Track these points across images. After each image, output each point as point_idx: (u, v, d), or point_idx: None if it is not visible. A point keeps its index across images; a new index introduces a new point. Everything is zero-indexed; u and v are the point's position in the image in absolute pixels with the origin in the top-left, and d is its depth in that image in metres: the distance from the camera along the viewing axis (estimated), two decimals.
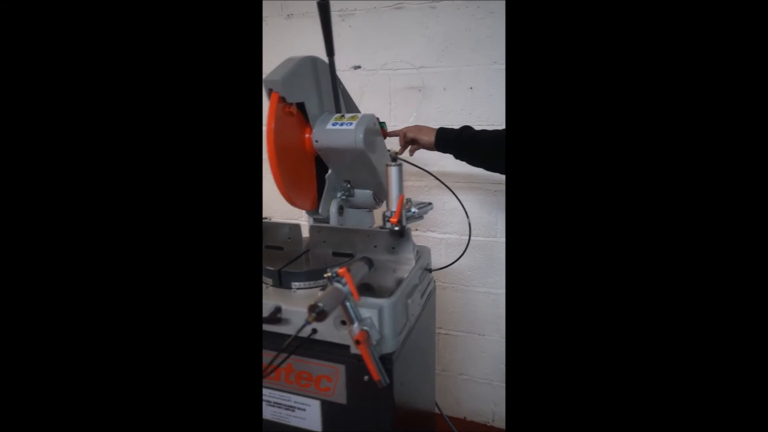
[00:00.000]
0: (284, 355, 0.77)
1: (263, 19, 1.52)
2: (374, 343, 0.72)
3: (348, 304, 0.72)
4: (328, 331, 0.78)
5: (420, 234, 1.52)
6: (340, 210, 1.03)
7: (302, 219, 1.50)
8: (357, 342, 0.69)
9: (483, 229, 1.45)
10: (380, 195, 1.10)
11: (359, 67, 1.45)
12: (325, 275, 0.72)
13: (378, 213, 1.17)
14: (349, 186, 1.06)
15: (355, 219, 1.08)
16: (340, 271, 0.71)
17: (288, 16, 1.49)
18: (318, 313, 0.65)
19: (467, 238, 1.44)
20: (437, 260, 1.51)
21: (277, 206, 1.24)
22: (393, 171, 0.84)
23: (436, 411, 1.27)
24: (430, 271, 1.03)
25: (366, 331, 0.71)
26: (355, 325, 0.71)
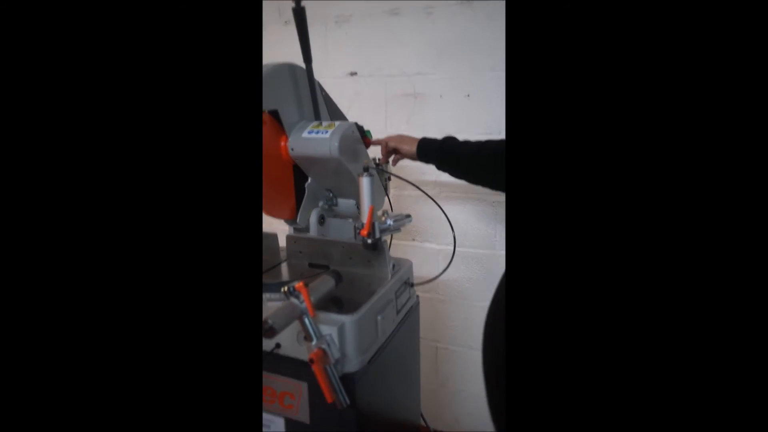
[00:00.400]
0: None
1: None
2: (332, 361, 0.69)
3: (307, 320, 0.69)
4: (291, 346, 0.75)
5: (417, 245, 1.48)
6: (321, 219, 1.01)
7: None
8: (311, 361, 0.66)
9: (481, 242, 1.40)
10: None
11: (355, 73, 1.43)
12: (283, 289, 0.69)
13: None
14: (331, 195, 1.03)
15: (339, 229, 1.05)
16: (297, 285, 0.68)
17: (285, 22, 1.49)
18: (266, 330, 0.62)
19: (472, 250, 1.40)
20: (434, 272, 1.47)
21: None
22: (365, 181, 0.81)
23: (422, 424, 1.22)
24: (412, 285, 0.98)
25: (322, 350, 0.67)
26: (314, 342, 0.68)
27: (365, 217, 0.81)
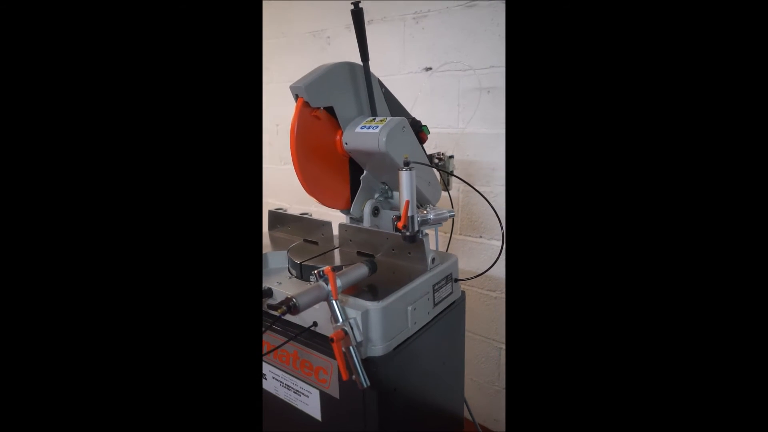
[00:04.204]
0: (275, 335, 0.83)
1: (348, 26, 1.61)
2: (354, 343, 0.73)
3: (334, 302, 0.74)
4: (326, 325, 0.82)
5: (484, 241, 1.46)
6: (375, 211, 1.05)
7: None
8: (331, 340, 0.71)
9: None
10: (419, 198, 1.09)
11: (430, 68, 1.44)
12: (314, 272, 0.75)
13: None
14: (387, 188, 1.07)
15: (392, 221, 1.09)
16: (326, 270, 0.74)
17: (368, 22, 1.55)
18: (290, 307, 0.69)
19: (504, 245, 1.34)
20: (502, 270, 1.43)
21: None
22: (404, 176, 0.83)
23: (467, 418, 1.22)
24: (456, 280, 0.99)
25: (344, 331, 0.72)
26: (337, 323, 0.74)
27: (408, 210, 0.84)
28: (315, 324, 0.83)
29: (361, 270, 0.81)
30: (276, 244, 1.11)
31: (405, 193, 0.84)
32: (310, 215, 1.11)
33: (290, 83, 0.91)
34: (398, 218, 0.84)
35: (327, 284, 0.73)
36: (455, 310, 0.99)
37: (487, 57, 1.32)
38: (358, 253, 0.99)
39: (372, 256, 0.96)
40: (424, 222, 0.87)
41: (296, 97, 0.90)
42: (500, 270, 1.43)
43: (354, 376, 0.73)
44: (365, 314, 0.76)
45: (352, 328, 0.74)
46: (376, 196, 1.07)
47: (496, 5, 1.28)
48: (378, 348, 0.78)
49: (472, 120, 1.38)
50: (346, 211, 1.05)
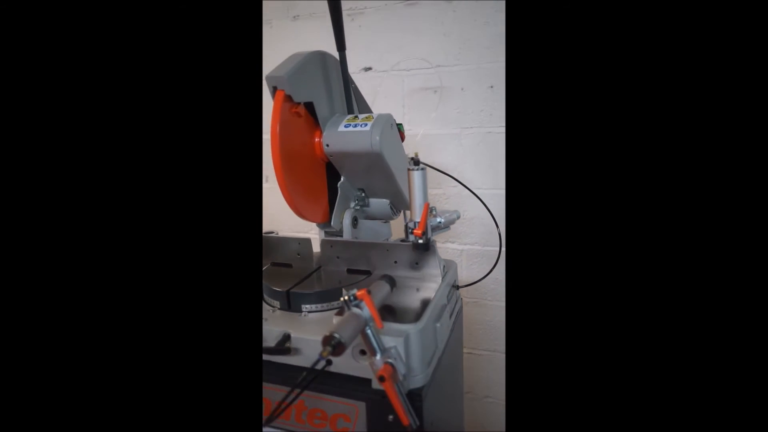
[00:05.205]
0: (295, 391, 0.66)
1: (268, 21, 1.44)
2: (401, 378, 0.61)
3: (369, 331, 0.61)
4: (344, 362, 0.67)
5: (438, 245, 1.41)
6: (354, 222, 0.93)
7: (312, 232, 1.40)
8: (381, 379, 0.58)
9: None
10: (398, 204, 0.99)
11: (370, 68, 1.36)
12: (342, 298, 0.61)
13: (395, 224, 1.07)
14: (363, 195, 0.96)
15: (370, 231, 0.98)
16: (359, 293, 0.61)
17: (294, 17, 1.41)
18: (334, 346, 0.54)
19: (496, 249, 1.33)
20: (458, 274, 1.40)
21: (285, 219, 1.15)
22: (416, 176, 0.74)
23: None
24: (458, 287, 0.92)
25: (391, 365, 0.60)
26: (378, 357, 0.61)
27: (417, 215, 0.74)
28: (329, 362, 0.68)
29: (384, 289, 0.69)
30: None
31: (418, 195, 0.74)
32: (276, 234, 0.94)
33: None
34: (414, 225, 0.74)
35: (363, 310, 0.60)
36: (459, 320, 0.92)
37: (433, 56, 1.29)
38: (349, 270, 0.86)
39: (368, 272, 0.84)
40: (436, 227, 0.78)
41: (273, 90, 0.74)
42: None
43: (393, 417, 0.61)
44: (407, 339, 0.64)
45: (395, 360, 0.61)
46: (353, 205, 0.95)
47: (439, 5, 1.25)
48: (419, 378, 0.66)
49: (419, 121, 1.33)
50: (324, 224, 0.91)
